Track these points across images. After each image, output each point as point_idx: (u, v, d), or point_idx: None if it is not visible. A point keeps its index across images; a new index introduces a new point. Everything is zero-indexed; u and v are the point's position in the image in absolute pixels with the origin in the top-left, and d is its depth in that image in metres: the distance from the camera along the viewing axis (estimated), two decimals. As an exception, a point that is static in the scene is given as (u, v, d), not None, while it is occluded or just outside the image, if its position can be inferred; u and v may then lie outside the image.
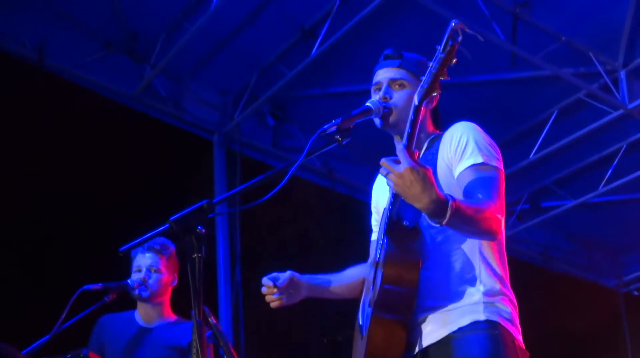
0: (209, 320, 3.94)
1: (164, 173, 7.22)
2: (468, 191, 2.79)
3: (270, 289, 3.14)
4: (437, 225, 2.59)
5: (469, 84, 7.66)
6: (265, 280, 3.16)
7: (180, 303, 4.63)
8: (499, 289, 2.87)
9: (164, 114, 7.80)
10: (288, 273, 3.16)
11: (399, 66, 3.08)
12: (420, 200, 2.52)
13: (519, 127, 8.37)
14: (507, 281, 2.94)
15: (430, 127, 3.12)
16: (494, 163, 2.85)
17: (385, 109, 2.97)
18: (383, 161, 2.54)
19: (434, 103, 3.11)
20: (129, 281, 4.49)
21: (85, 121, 6.83)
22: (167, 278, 4.63)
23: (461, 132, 2.93)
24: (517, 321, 2.90)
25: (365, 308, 3.01)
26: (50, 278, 6.24)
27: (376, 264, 2.89)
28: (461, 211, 2.58)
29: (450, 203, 2.54)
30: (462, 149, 2.87)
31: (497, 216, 2.72)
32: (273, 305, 3.20)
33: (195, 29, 6.80)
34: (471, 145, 2.87)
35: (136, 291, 4.54)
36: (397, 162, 2.53)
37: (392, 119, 2.99)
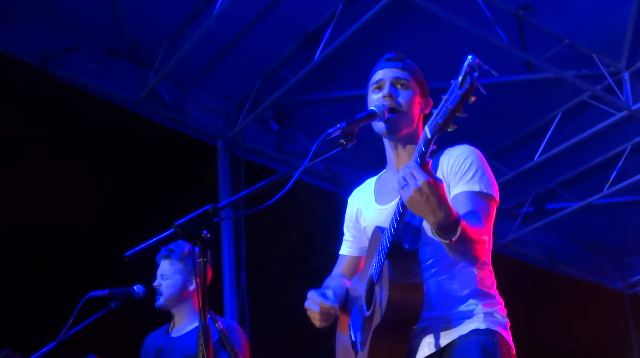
0: (216, 324, 3.95)
1: (168, 178, 7.23)
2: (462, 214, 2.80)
3: (327, 307, 3.02)
4: (447, 241, 2.59)
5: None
6: (316, 297, 3.05)
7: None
8: (494, 300, 2.94)
9: (168, 120, 7.81)
10: (331, 292, 3.08)
11: (403, 68, 3.08)
12: (436, 215, 2.53)
13: (523, 129, 8.38)
14: (497, 294, 3.00)
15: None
16: (492, 193, 2.89)
17: (390, 114, 2.97)
18: (405, 169, 2.53)
19: (428, 110, 3.12)
20: (135, 287, 4.50)
21: (90, 127, 6.84)
22: (179, 284, 4.66)
23: (466, 155, 2.95)
24: (509, 331, 2.95)
25: (356, 321, 3.03)
26: (57, 285, 6.24)
27: (372, 283, 2.90)
28: (467, 231, 2.61)
29: (460, 220, 2.57)
30: (463, 172, 2.90)
31: (486, 242, 2.78)
32: (322, 324, 3.07)
33: (198, 35, 6.81)
34: (473, 171, 2.90)
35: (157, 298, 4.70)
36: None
37: (393, 123, 2.99)
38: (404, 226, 2.90)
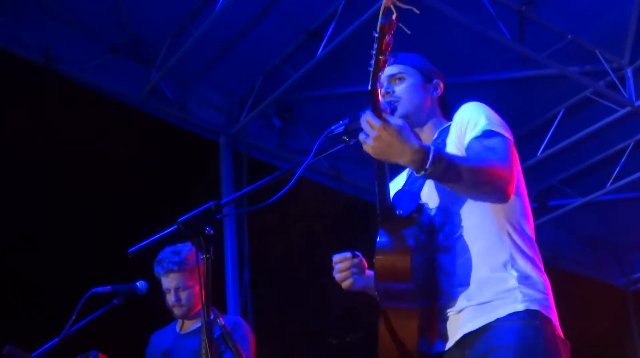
0: (218, 320, 3.95)
1: (171, 175, 7.24)
2: (471, 155, 2.74)
3: (348, 261, 2.98)
4: (424, 177, 2.54)
5: (475, 83, 7.67)
6: (339, 255, 3.01)
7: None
8: (533, 274, 2.79)
9: (170, 117, 7.81)
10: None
11: (394, 63, 3.11)
12: (405, 153, 2.49)
13: (525, 126, 8.37)
14: (540, 263, 2.85)
15: (440, 119, 3.12)
16: (501, 131, 2.81)
17: (392, 106, 2.99)
18: (362, 122, 2.51)
19: (440, 92, 3.14)
20: (137, 283, 4.50)
21: (92, 124, 6.85)
22: (196, 288, 4.67)
23: (469, 110, 2.92)
24: (554, 307, 2.82)
25: None
26: (60, 281, 6.26)
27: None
28: (451, 161, 2.54)
29: (432, 150, 2.50)
30: (469, 124, 2.85)
31: (503, 173, 2.66)
32: (346, 283, 3.00)
33: (200, 32, 6.82)
34: (477, 119, 2.85)
35: (174, 312, 4.71)
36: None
37: (399, 114, 3.00)
38: (401, 194, 2.90)
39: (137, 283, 4.49)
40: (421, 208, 2.86)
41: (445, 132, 3.00)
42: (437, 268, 2.82)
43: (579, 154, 8.63)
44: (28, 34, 6.93)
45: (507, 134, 2.83)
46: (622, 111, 7.73)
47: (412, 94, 3.05)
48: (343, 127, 2.78)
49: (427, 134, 3.08)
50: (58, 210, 6.57)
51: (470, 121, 2.85)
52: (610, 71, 7.51)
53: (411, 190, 2.94)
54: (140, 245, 2.63)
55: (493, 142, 2.75)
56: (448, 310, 2.80)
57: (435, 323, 2.81)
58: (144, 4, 7.05)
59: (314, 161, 2.81)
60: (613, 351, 10.34)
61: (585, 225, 10.03)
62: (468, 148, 2.79)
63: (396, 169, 3.17)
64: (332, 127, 2.79)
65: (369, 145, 2.51)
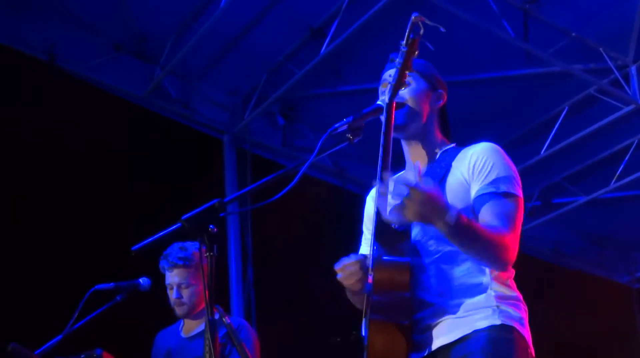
0: (223, 319, 3.95)
1: (175, 173, 7.24)
2: (485, 217, 2.77)
3: (355, 265, 2.85)
4: (444, 234, 2.60)
5: (479, 81, 7.66)
6: (345, 260, 2.89)
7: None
8: (510, 294, 2.86)
9: (174, 115, 7.82)
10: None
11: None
12: (444, 212, 2.54)
13: (529, 124, 8.36)
14: (516, 288, 2.93)
15: (438, 134, 3.08)
16: (516, 192, 2.82)
17: (402, 99, 2.96)
18: (397, 188, 2.53)
19: (442, 103, 3.08)
20: (140, 280, 4.50)
21: (96, 122, 6.86)
22: (199, 287, 4.63)
23: (487, 153, 2.89)
24: (529, 329, 2.87)
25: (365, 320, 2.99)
26: (63, 278, 6.26)
27: (370, 271, 2.81)
28: (471, 227, 2.60)
29: (457, 213, 2.55)
30: (485, 172, 2.83)
31: (511, 245, 2.72)
32: (355, 286, 2.88)
33: (204, 30, 6.82)
34: (495, 171, 2.83)
35: (176, 311, 4.66)
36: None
37: (399, 119, 2.94)
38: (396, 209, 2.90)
39: (140, 280, 4.49)
40: (414, 224, 2.85)
41: (450, 156, 2.98)
42: (416, 281, 2.83)
43: (583, 151, 8.61)
44: (32, 32, 6.94)
45: (519, 191, 2.85)
46: (626, 109, 7.72)
47: (416, 98, 3.00)
48: (347, 125, 2.77)
49: (425, 150, 3.04)
50: (59, 205, 6.57)
51: (486, 167, 2.85)
52: (614, 69, 7.49)
53: None
54: (144, 242, 2.63)
55: (509, 207, 2.78)
56: (424, 323, 2.82)
57: (412, 335, 2.80)
58: (148, 2, 7.06)
59: (318, 159, 2.80)
60: (617, 349, 10.32)
61: (590, 222, 10.02)
62: (481, 202, 2.80)
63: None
64: (336, 125, 2.77)
65: (410, 210, 2.52)
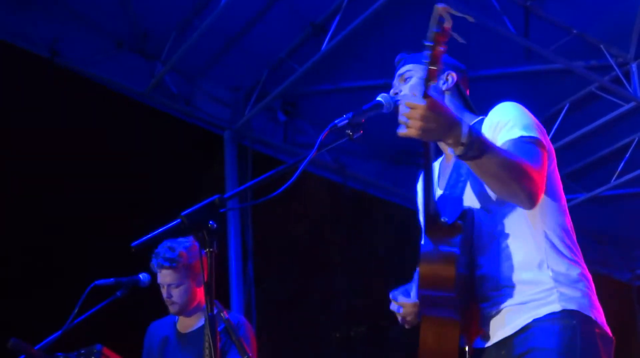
0: (221, 314, 3.95)
1: (176, 169, 7.26)
2: None
3: (409, 305, 2.93)
4: (461, 156, 2.54)
5: (480, 78, 7.65)
6: (398, 296, 2.96)
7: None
8: (571, 273, 2.81)
9: (176, 111, 7.82)
10: (414, 288, 2.96)
11: (404, 64, 3.12)
12: (453, 126, 2.48)
13: (530, 121, 8.34)
14: (581, 261, 2.87)
15: (461, 109, 3.09)
16: (536, 135, 2.79)
17: (397, 102, 2.97)
18: (401, 107, 2.47)
19: (453, 82, 3.12)
20: (140, 276, 4.51)
21: (98, 118, 6.87)
22: (190, 285, 4.64)
23: (507, 110, 2.89)
24: (597, 304, 2.84)
25: None
26: (63, 274, 6.27)
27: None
28: (488, 146, 2.53)
29: (471, 129, 2.50)
30: (506, 124, 2.82)
31: (533, 175, 2.64)
32: (411, 324, 2.96)
33: (206, 26, 6.81)
34: (514, 121, 2.82)
35: (169, 309, 4.66)
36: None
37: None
38: (443, 199, 2.87)
39: (140, 276, 4.50)
40: (465, 214, 2.83)
41: (477, 128, 2.96)
42: (475, 270, 2.83)
43: (583, 149, 8.61)
44: (33, 28, 6.94)
45: (544, 139, 2.82)
46: (627, 106, 7.71)
47: (418, 91, 3.02)
48: (347, 120, 2.76)
49: None
50: (60, 201, 6.58)
51: (507, 122, 2.83)
52: (615, 66, 7.48)
53: (453, 195, 2.91)
54: (144, 238, 2.62)
55: (528, 146, 2.74)
56: (487, 311, 2.81)
57: (475, 322, 2.82)
58: (150, -2, 7.06)
59: (318, 155, 2.81)
60: (618, 346, 10.33)
61: (590, 219, 10.01)
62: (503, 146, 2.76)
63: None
64: (336, 121, 2.77)
65: (414, 128, 2.46)
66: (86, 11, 7.07)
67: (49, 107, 6.66)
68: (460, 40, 2.38)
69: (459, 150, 2.52)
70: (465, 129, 2.49)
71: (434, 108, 2.44)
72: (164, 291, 4.65)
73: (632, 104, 7.64)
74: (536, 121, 2.89)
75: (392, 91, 3.07)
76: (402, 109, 2.48)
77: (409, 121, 2.46)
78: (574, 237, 2.94)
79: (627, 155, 8.51)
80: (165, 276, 4.62)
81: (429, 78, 2.42)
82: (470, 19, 2.41)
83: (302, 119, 8.42)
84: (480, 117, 3.03)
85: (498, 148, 2.61)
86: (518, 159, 2.63)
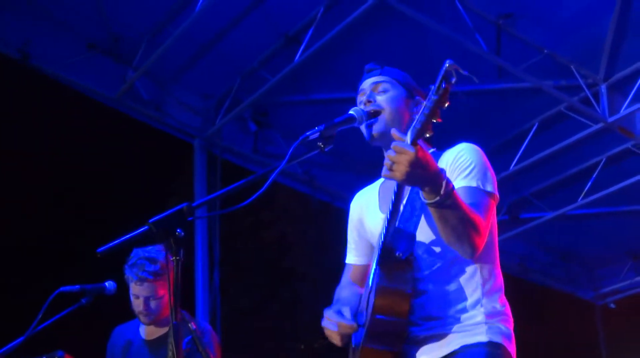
0: (189, 325, 3.92)
1: (145, 175, 7.22)
2: None
3: (345, 326, 2.91)
4: (431, 204, 2.58)
5: (450, 94, 7.68)
6: (334, 316, 2.95)
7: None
8: (499, 310, 2.91)
9: (146, 117, 7.77)
10: (348, 310, 2.97)
11: (380, 74, 3.10)
12: (436, 176, 2.55)
13: (499, 138, 8.41)
14: (505, 299, 2.97)
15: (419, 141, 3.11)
16: (490, 189, 2.86)
17: (371, 120, 2.96)
18: (395, 147, 2.51)
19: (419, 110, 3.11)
20: (106, 284, 4.45)
21: (67, 121, 6.81)
22: (167, 296, 4.54)
23: (466, 153, 2.93)
24: (514, 339, 2.93)
25: (360, 328, 2.98)
26: (27, 280, 6.20)
27: (369, 292, 2.88)
28: (457, 199, 2.61)
29: (451, 186, 2.57)
30: (462, 169, 2.87)
31: (483, 232, 2.74)
32: (342, 343, 2.98)
33: (179, 32, 6.79)
34: (471, 167, 2.87)
35: (140, 318, 4.56)
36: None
37: (377, 127, 2.98)
38: (397, 233, 2.88)
39: (106, 283, 4.44)
40: (416, 250, 2.88)
41: None
42: (413, 297, 2.86)
43: (551, 168, 8.68)
44: (4, 29, 6.87)
45: (494, 190, 2.89)
46: (595, 127, 7.79)
47: (394, 106, 3.02)
48: (318, 133, 2.77)
49: None
50: (26, 206, 6.52)
51: (467, 167, 2.88)
52: (584, 87, 7.56)
53: (407, 229, 2.92)
54: (110, 244, 2.60)
55: (483, 200, 2.82)
56: (416, 338, 2.86)
57: (405, 347, 2.86)
58: (123, 2, 7.01)
59: (288, 166, 2.80)
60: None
61: (556, 238, 10.10)
62: (460, 193, 2.78)
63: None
64: (308, 133, 2.77)
65: (399, 172, 2.51)
66: (58, 13, 7.02)
67: (18, 108, 6.60)
68: (476, 80, 2.44)
69: (431, 198, 2.58)
70: (444, 182, 2.56)
71: (422, 157, 2.50)
72: (138, 303, 4.52)
73: (600, 124, 7.72)
74: (490, 167, 2.95)
75: (363, 98, 3.05)
76: (390, 151, 2.52)
77: (394, 164, 2.51)
78: (500, 272, 3.02)
79: (594, 175, 8.60)
80: (144, 289, 4.49)
81: (423, 128, 2.46)
82: (476, 80, 2.45)
83: (273, 130, 8.41)
84: (433, 150, 3.07)
85: (462, 201, 2.67)
86: (474, 215, 2.70)
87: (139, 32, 7.29)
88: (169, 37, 6.90)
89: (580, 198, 8.77)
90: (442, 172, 2.57)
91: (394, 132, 2.55)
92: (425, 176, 2.53)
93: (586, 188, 8.68)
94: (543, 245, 10.32)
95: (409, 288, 2.78)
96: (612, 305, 10.96)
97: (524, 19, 7.04)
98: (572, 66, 7.51)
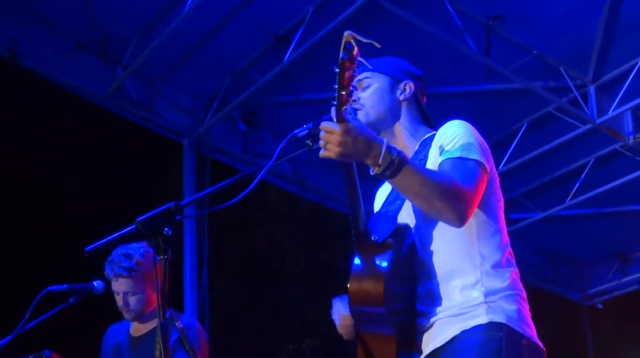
0: (175, 323, 3.92)
1: (134, 174, 7.20)
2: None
3: (348, 319, 2.92)
4: (381, 176, 2.56)
5: (440, 95, 7.70)
6: (341, 307, 2.95)
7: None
8: (501, 287, 2.82)
9: (135, 116, 7.76)
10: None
11: (364, 70, 3.09)
12: (371, 148, 2.52)
13: (488, 139, 8.39)
14: (515, 277, 2.90)
15: (415, 125, 3.09)
16: (476, 157, 2.81)
17: (355, 112, 2.98)
18: (323, 126, 2.52)
19: (410, 92, 3.10)
20: (94, 283, 4.45)
21: (57, 120, 6.80)
22: (147, 292, 4.58)
23: (451, 128, 2.90)
24: (528, 319, 2.85)
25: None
26: (16, 279, 6.18)
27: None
28: (411, 166, 2.55)
29: (387, 145, 2.53)
30: (447, 143, 2.84)
31: (461, 194, 2.65)
32: (347, 337, 2.97)
33: (168, 32, 6.78)
34: (455, 141, 2.83)
35: (123, 315, 4.60)
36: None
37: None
38: (378, 217, 2.88)
39: (94, 283, 4.44)
40: (398, 231, 2.83)
41: (427, 144, 2.98)
42: (417, 286, 2.84)
43: (540, 168, 8.70)
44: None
45: (485, 160, 2.84)
46: (583, 128, 7.82)
47: (376, 100, 3.03)
48: (307, 131, 2.77)
49: (405, 142, 3.05)
50: (15, 206, 6.50)
51: (451, 141, 2.84)
52: (573, 88, 7.59)
53: (388, 213, 2.92)
54: (98, 243, 2.59)
55: (464, 166, 2.76)
56: (421, 326, 2.83)
57: (414, 337, 2.83)
58: (112, 1, 7.00)
59: (277, 165, 2.81)
60: (567, 365, 10.43)
61: (545, 239, 10.12)
62: (440, 166, 2.79)
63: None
64: (296, 131, 2.78)
65: (332, 151, 2.52)
66: (47, 11, 6.99)
67: (6, 107, 6.58)
68: (378, 45, 2.42)
69: (377, 170, 2.56)
70: (383, 150, 2.52)
71: (350, 132, 2.48)
72: (119, 299, 4.58)
73: (589, 126, 7.74)
74: (481, 141, 2.92)
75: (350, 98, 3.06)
76: (321, 132, 2.53)
77: (327, 144, 2.52)
78: (510, 256, 2.96)
79: (583, 176, 8.62)
80: (121, 285, 4.55)
81: (340, 103, 2.45)
82: (377, 45, 2.44)
83: (262, 130, 8.40)
84: (433, 132, 3.04)
85: (421, 167, 2.64)
86: (445, 178, 2.65)
87: (129, 32, 7.28)
88: (158, 37, 6.89)
89: (569, 198, 8.79)
90: (380, 141, 2.53)
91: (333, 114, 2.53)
92: (359, 149, 2.51)
93: (574, 189, 8.70)
94: (532, 245, 10.34)
95: (385, 268, 2.71)
96: (600, 306, 11.00)
97: (513, 21, 7.05)
98: (561, 68, 7.53)
